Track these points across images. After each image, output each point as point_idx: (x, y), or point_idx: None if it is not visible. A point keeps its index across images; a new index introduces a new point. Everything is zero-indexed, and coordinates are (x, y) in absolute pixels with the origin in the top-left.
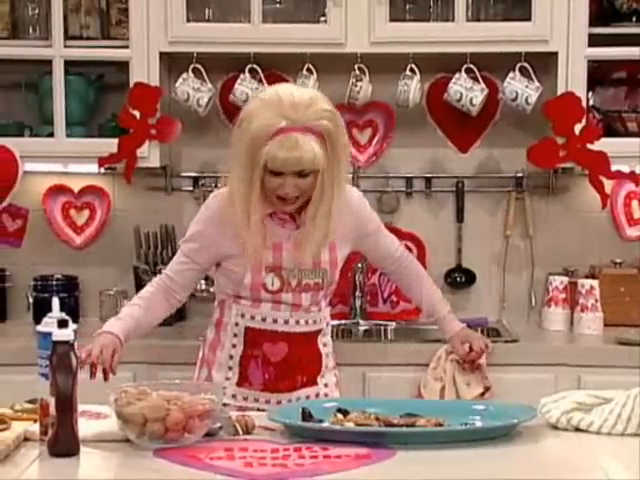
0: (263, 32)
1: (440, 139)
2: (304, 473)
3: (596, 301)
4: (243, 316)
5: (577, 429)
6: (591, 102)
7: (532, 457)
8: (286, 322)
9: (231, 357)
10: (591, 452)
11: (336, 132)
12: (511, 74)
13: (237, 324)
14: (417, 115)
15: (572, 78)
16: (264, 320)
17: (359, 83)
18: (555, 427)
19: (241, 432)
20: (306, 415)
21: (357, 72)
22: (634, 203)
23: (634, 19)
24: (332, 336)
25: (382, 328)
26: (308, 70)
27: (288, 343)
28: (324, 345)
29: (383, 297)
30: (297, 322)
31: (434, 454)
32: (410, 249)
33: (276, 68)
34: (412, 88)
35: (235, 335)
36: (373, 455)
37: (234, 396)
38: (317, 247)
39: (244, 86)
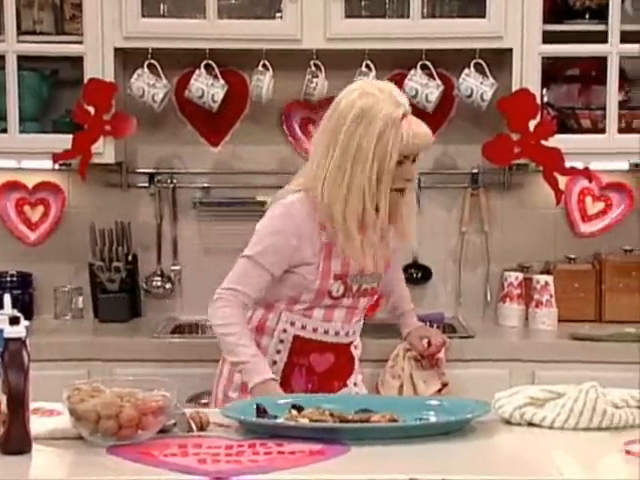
0: (218, 28)
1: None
2: (258, 469)
3: (551, 297)
4: (293, 324)
5: (530, 424)
6: (545, 99)
7: (486, 452)
8: (337, 334)
9: (274, 362)
10: (544, 446)
11: None
12: (466, 70)
13: (285, 331)
14: None
15: (526, 75)
16: (315, 330)
17: (315, 79)
18: (508, 422)
19: (195, 429)
20: (260, 411)
21: (313, 68)
22: (588, 199)
23: (587, 16)
24: None
25: None
26: (264, 66)
27: (335, 354)
28: (355, 348)
29: None
30: (347, 334)
31: (388, 449)
32: None
33: (232, 64)
34: None
35: (281, 341)
36: (327, 451)
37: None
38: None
39: (200, 82)
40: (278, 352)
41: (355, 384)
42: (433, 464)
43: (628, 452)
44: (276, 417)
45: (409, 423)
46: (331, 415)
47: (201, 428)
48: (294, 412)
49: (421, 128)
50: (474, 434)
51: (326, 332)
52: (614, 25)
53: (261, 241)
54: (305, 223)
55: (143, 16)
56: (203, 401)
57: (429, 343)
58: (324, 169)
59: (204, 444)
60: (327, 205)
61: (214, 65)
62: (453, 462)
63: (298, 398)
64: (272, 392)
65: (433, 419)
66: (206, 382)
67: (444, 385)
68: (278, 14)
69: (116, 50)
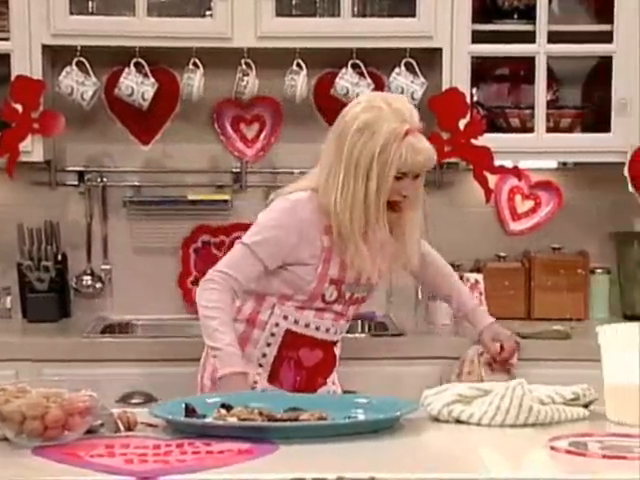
0: (148, 25)
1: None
2: (186, 469)
3: (480, 294)
4: (286, 318)
5: (458, 421)
6: (475, 98)
7: (414, 450)
8: (327, 330)
9: (264, 355)
10: (471, 443)
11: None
12: (397, 69)
13: (277, 324)
14: (304, 110)
15: (456, 74)
16: (307, 326)
17: (246, 78)
18: (437, 419)
19: (123, 429)
20: (189, 410)
21: (244, 67)
22: (517, 198)
23: (515, 16)
24: None
25: None
26: (194, 64)
27: (323, 351)
28: (336, 347)
29: None
30: (335, 331)
31: (317, 448)
32: None
33: (162, 62)
34: (299, 83)
35: (272, 335)
36: (255, 450)
37: (263, 392)
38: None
39: (129, 80)
40: (268, 345)
41: (333, 382)
42: (361, 462)
43: (553, 448)
44: (205, 416)
45: (338, 421)
46: (260, 414)
47: (129, 428)
48: (223, 411)
49: (423, 147)
50: (403, 432)
51: (317, 328)
52: (541, 25)
53: (261, 232)
54: (308, 222)
55: (71, 13)
56: (134, 401)
57: (502, 347)
58: (335, 179)
59: (131, 444)
60: (337, 214)
61: (144, 63)
62: (381, 460)
63: (228, 397)
64: (237, 386)
65: (362, 417)
66: (137, 382)
67: None
68: (208, 12)
69: (44, 47)
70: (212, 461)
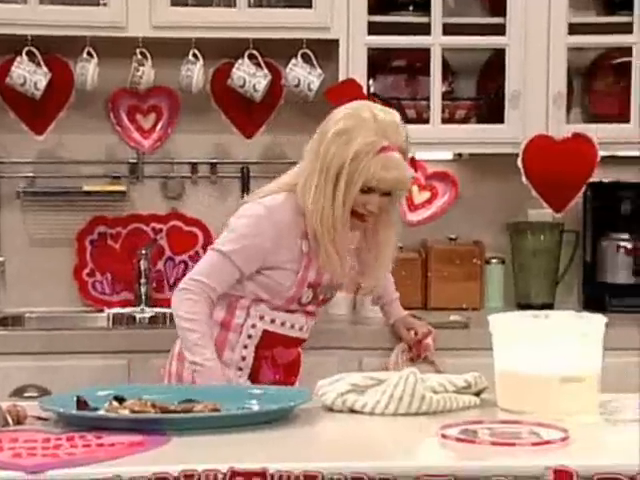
0: (40, 14)
1: (225, 125)
2: (75, 462)
3: None
4: (262, 318)
5: (352, 411)
6: (372, 89)
7: (308, 440)
8: (300, 329)
9: (243, 359)
10: (364, 433)
11: (407, 156)
12: (293, 60)
13: (254, 326)
14: (202, 100)
15: (353, 65)
16: (283, 324)
17: (141, 68)
18: (331, 409)
19: (11, 422)
20: (81, 403)
21: (139, 56)
22: (414, 189)
23: (411, 8)
24: (116, 324)
25: (168, 315)
26: (88, 54)
27: (297, 349)
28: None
29: (169, 283)
30: (307, 329)
31: (210, 439)
32: (196, 235)
33: (55, 51)
34: (195, 73)
35: (249, 337)
36: (147, 442)
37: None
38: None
39: (21, 69)
40: (245, 347)
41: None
42: (254, 453)
43: (444, 436)
44: (97, 409)
45: (231, 412)
46: (153, 406)
47: (18, 422)
48: (115, 403)
49: (395, 167)
50: (297, 422)
51: (292, 327)
52: (436, 17)
53: (238, 240)
54: (285, 227)
55: None
56: (27, 394)
57: (415, 333)
58: (311, 180)
59: (20, 438)
60: (310, 215)
61: (36, 52)
62: (274, 450)
63: (121, 389)
64: None
65: (256, 408)
66: (30, 375)
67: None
68: (102, 1)
69: None
70: (103, 454)
